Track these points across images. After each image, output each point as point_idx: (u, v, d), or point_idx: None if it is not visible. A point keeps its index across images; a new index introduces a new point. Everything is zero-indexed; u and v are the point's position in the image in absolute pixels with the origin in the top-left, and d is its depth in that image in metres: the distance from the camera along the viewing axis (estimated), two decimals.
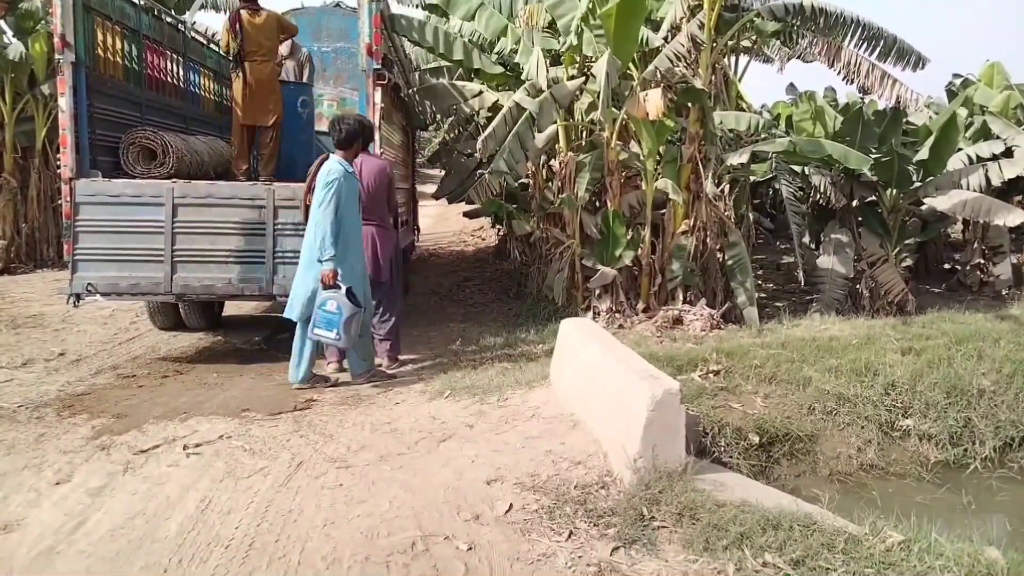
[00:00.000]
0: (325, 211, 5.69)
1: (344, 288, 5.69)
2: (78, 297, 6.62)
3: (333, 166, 5.87)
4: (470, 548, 3.52)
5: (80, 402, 5.69)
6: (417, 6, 10.92)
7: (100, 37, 7.05)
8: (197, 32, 9.89)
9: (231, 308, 9.12)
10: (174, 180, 6.75)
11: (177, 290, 6.69)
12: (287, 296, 6.80)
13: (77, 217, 6.56)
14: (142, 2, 8.08)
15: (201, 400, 5.79)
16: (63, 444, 4.78)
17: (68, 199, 6.56)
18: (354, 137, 6.12)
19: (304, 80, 9.06)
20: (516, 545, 3.56)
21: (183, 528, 3.69)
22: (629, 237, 8.69)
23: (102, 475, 4.32)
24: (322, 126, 9.43)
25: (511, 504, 3.92)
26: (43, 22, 12.64)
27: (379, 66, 6.88)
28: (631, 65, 8.61)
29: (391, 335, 6.72)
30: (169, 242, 6.61)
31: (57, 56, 6.51)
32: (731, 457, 5.18)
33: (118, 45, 7.40)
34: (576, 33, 8.41)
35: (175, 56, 8.67)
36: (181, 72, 8.84)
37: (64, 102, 6.51)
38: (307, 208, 6.05)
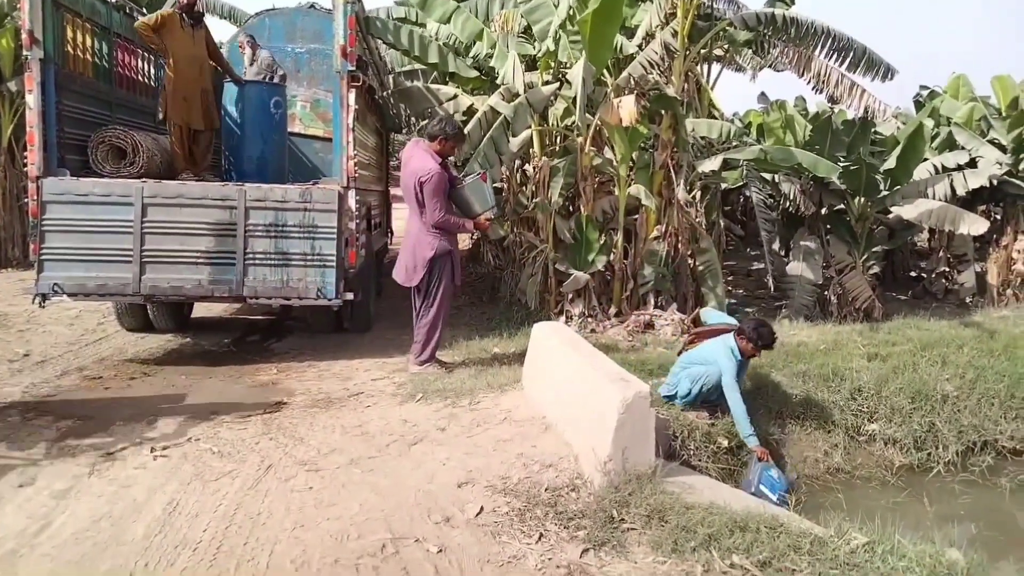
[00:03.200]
0: (730, 394, 5.35)
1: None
2: (44, 297, 6.51)
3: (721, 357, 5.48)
4: (440, 551, 3.52)
5: (45, 404, 5.59)
6: (388, 17, 10.88)
7: (70, 34, 6.95)
8: None
9: (200, 310, 9.02)
10: (144, 180, 6.67)
11: (146, 291, 6.61)
12: (257, 298, 6.79)
13: (44, 216, 6.45)
14: (113, 0, 7.98)
15: (169, 402, 5.72)
16: (27, 446, 4.70)
17: (35, 198, 6.45)
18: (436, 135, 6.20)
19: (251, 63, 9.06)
20: (486, 547, 3.57)
21: (150, 531, 3.65)
22: (602, 242, 8.74)
23: (67, 478, 4.25)
24: (295, 127, 9.39)
25: (482, 507, 3.93)
26: (10, 17, 12.42)
27: (353, 68, 6.86)
28: (605, 72, 8.68)
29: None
30: (138, 242, 6.53)
31: (25, 52, 6.41)
32: (700, 460, 5.23)
33: (88, 42, 7.30)
34: (552, 39, 8.45)
35: (146, 55, 8.57)
36: (152, 71, 8.74)
37: (32, 99, 6.40)
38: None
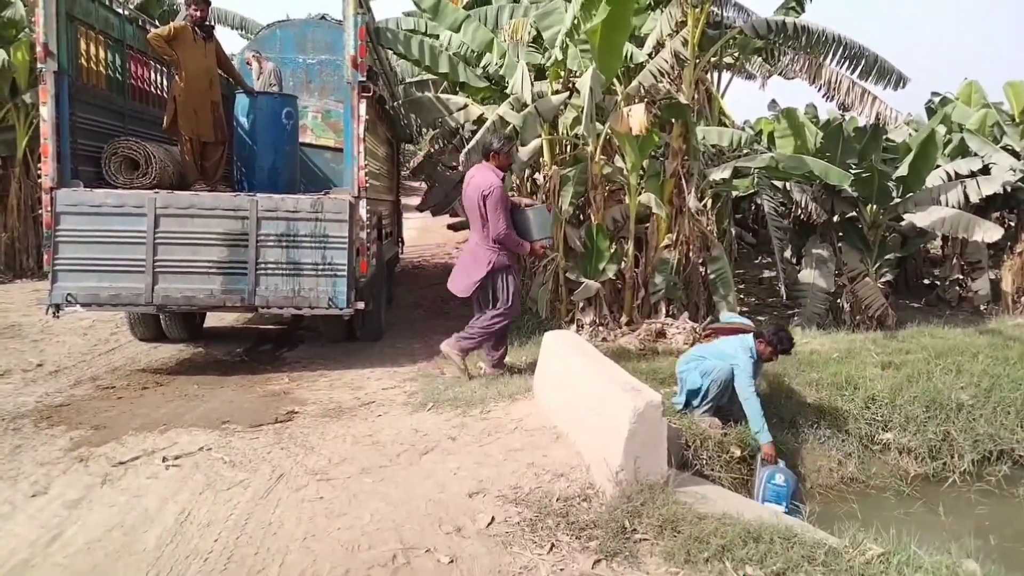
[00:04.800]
0: (744, 390, 5.42)
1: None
2: (58, 307, 6.55)
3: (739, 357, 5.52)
4: (451, 561, 3.50)
5: (58, 413, 5.62)
6: (398, 28, 10.95)
7: (83, 46, 7.02)
8: None
9: (212, 319, 9.06)
10: (156, 190, 6.71)
11: (158, 301, 6.64)
12: (269, 307, 6.81)
13: (58, 227, 6.50)
14: (126, 12, 8.06)
15: (181, 412, 5.73)
16: (40, 456, 4.72)
17: (49, 209, 6.50)
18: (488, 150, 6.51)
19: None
20: (498, 558, 3.55)
21: (161, 541, 3.65)
22: (612, 251, 8.73)
23: (79, 487, 4.27)
24: (307, 138, 9.43)
25: (493, 517, 3.91)
26: (26, 30, 12.57)
27: (364, 78, 6.89)
28: (615, 80, 8.68)
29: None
30: (151, 252, 6.56)
31: (40, 65, 6.47)
32: (713, 470, 5.19)
33: (101, 55, 7.37)
34: (561, 48, 8.47)
35: (159, 67, 8.64)
36: (165, 83, 8.81)
37: (46, 111, 6.46)
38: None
